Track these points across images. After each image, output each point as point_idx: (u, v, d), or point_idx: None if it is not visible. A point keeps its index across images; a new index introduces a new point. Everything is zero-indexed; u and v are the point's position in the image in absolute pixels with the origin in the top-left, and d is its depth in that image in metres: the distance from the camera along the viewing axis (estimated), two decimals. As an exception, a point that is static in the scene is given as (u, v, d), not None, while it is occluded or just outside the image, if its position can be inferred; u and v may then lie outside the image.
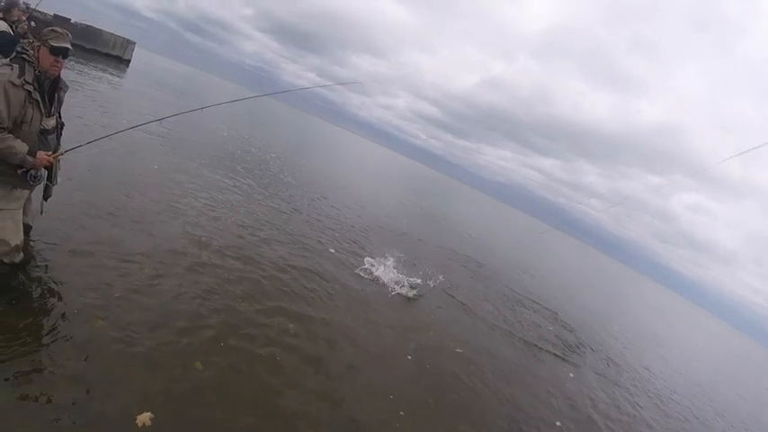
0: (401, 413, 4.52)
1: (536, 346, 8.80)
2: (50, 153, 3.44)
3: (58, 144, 3.70)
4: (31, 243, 4.32)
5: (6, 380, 2.90)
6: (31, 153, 3.20)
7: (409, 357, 5.87)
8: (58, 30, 3.28)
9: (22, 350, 3.17)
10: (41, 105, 3.27)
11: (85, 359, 3.34)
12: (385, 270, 8.63)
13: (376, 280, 8.16)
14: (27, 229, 3.91)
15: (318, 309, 5.99)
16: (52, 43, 3.19)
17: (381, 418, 4.33)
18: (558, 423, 5.98)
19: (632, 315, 24.84)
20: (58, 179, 3.92)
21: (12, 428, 2.60)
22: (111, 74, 20.86)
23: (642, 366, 11.60)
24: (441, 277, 9.65)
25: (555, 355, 8.82)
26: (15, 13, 6.41)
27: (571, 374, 8.17)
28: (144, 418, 2.99)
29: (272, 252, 7.26)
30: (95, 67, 20.19)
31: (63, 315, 3.70)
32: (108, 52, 29.38)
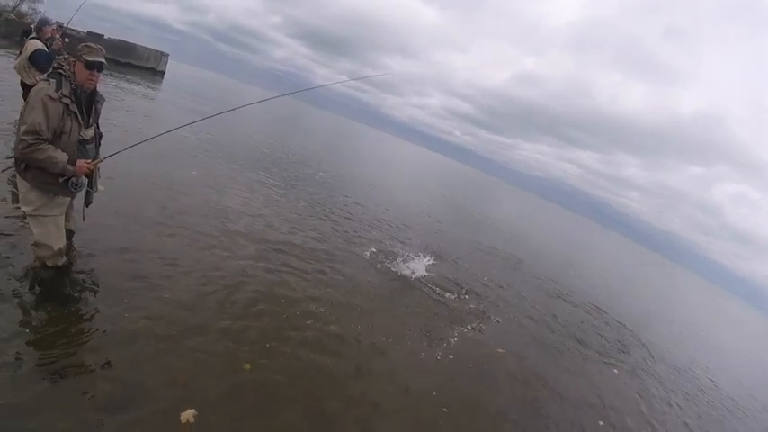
0: (444, 409, 4.50)
1: (580, 343, 8.49)
2: (89, 161, 3.56)
3: (97, 153, 3.86)
4: (74, 247, 4.47)
5: (53, 378, 2.99)
6: (71, 162, 3.34)
7: (451, 357, 5.77)
8: (92, 45, 3.42)
9: (67, 350, 3.27)
10: (79, 117, 3.42)
11: (130, 358, 3.43)
12: (424, 268, 8.57)
13: (416, 279, 8.07)
14: (69, 234, 4.09)
15: (361, 311, 5.99)
16: (87, 58, 3.33)
17: (426, 415, 4.33)
18: (600, 422, 5.76)
19: (677, 311, 23.84)
20: (98, 186, 4.09)
21: (54, 424, 2.67)
22: (146, 86, 21.51)
23: (688, 363, 11.06)
24: (481, 275, 9.47)
25: (599, 353, 8.50)
26: (48, 31, 6.75)
27: (615, 371, 7.87)
28: (188, 414, 3.02)
29: (316, 253, 7.40)
30: (130, 80, 20.86)
31: (106, 315, 3.81)
32: (142, 65, 30.31)
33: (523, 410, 5.23)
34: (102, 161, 3.73)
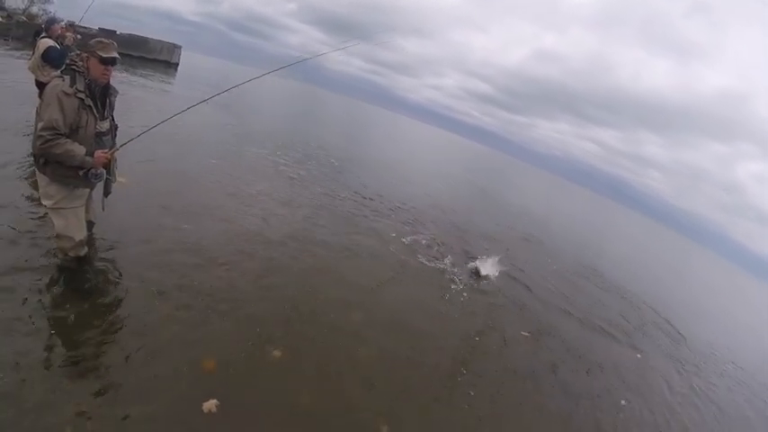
0: (471, 393, 4.56)
1: (602, 327, 8.40)
2: (106, 151, 3.59)
3: (114, 144, 3.90)
4: (95, 238, 4.54)
5: (80, 371, 3.05)
6: (89, 154, 3.39)
7: (477, 339, 5.83)
8: (105, 41, 3.46)
9: (94, 342, 3.35)
10: (94, 110, 3.47)
11: (155, 347, 3.48)
12: (448, 255, 8.63)
13: (438, 264, 8.07)
14: (90, 225, 4.15)
15: (385, 292, 6.13)
16: (101, 54, 3.37)
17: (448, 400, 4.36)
18: (623, 402, 5.80)
19: (700, 292, 23.44)
20: (118, 177, 4.15)
21: (84, 423, 2.72)
22: (159, 80, 21.07)
23: (707, 345, 10.90)
24: (502, 258, 9.40)
25: (621, 334, 8.45)
26: (57, 29, 6.82)
27: (638, 356, 7.78)
28: (210, 405, 3.06)
29: (342, 240, 7.48)
30: (143, 74, 20.63)
31: (131, 305, 3.89)
32: (155, 57, 30.32)
33: (543, 394, 5.22)
34: (119, 149, 3.77)
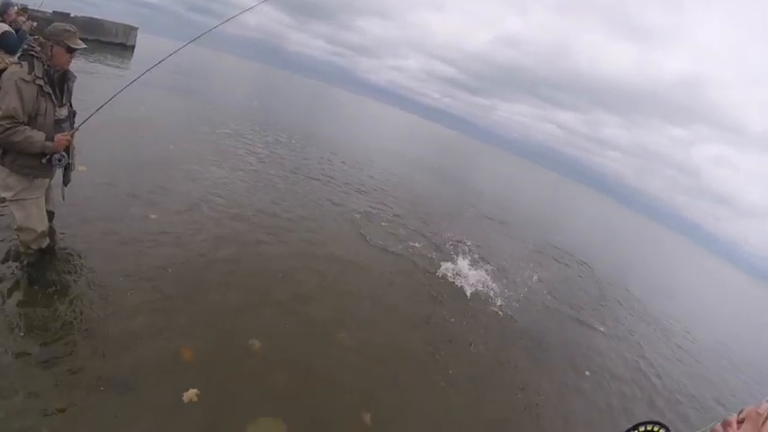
0: (450, 372, 4.62)
1: (568, 303, 8.78)
2: (66, 133, 3.49)
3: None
4: (56, 229, 4.37)
5: (47, 361, 2.98)
6: (50, 138, 3.31)
7: (452, 320, 5.94)
8: (70, 29, 3.39)
9: (60, 332, 3.26)
10: (53, 97, 3.38)
11: (123, 336, 3.41)
12: (412, 236, 8.68)
13: (403, 247, 8.09)
14: (50, 215, 4.01)
15: (354, 275, 6.10)
16: (69, 44, 3.33)
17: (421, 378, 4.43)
18: (587, 372, 6.09)
19: (656, 267, 24.75)
20: (77, 166, 4.06)
21: (50, 406, 2.68)
22: (115, 66, 19.34)
23: (667, 316, 11.60)
24: (466, 240, 9.55)
25: (583, 310, 8.85)
26: (11, 14, 6.57)
27: (602, 329, 8.18)
28: (191, 394, 3.04)
29: (309, 224, 7.36)
30: (97, 59, 19.28)
31: (95, 294, 3.79)
32: (111, 40, 28.97)
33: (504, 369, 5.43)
34: (78, 129, 3.68)
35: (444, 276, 7.31)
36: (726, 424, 0.90)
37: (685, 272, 32.80)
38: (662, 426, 0.98)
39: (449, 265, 7.75)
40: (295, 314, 4.63)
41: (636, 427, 1.01)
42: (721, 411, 6.86)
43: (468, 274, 7.63)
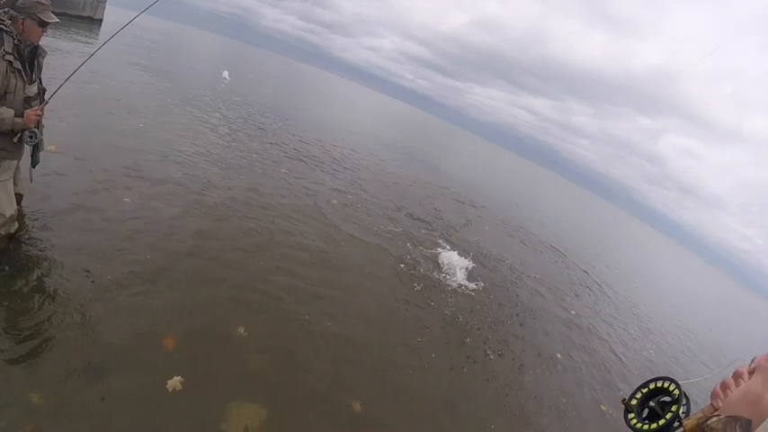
0: (433, 355, 4.69)
1: (536, 286, 9.04)
2: (36, 108, 3.33)
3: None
4: (25, 212, 4.18)
5: (21, 348, 2.88)
6: (19, 115, 3.19)
7: (432, 304, 6.02)
8: (43, 1, 3.23)
9: (32, 319, 3.14)
10: (23, 74, 3.23)
11: (104, 328, 3.31)
12: (388, 219, 8.71)
13: (381, 229, 8.12)
14: (19, 198, 3.84)
15: (333, 260, 6.03)
16: (42, 17, 3.19)
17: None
18: (558, 355, 6.35)
19: (621, 252, 25.63)
20: (47, 146, 3.91)
21: (26, 394, 2.60)
22: (83, 42, 17.70)
23: (629, 295, 12.12)
24: (440, 223, 9.64)
25: (554, 292, 9.17)
26: None
27: (573, 311, 8.49)
28: (174, 383, 3.00)
29: (285, 211, 7.19)
30: (62, 36, 18.10)
31: (69, 282, 3.63)
32: (78, 14, 27.51)
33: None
34: (48, 102, 3.51)
35: (423, 260, 7.38)
36: (737, 375, 0.90)
37: (649, 258, 34.14)
38: (672, 381, 0.99)
39: (426, 249, 7.85)
40: (279, 301, 4.60)
41: (646, 384, 1.02)
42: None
43: (445, 257, 7.73)
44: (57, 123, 4.17)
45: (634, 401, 1.02)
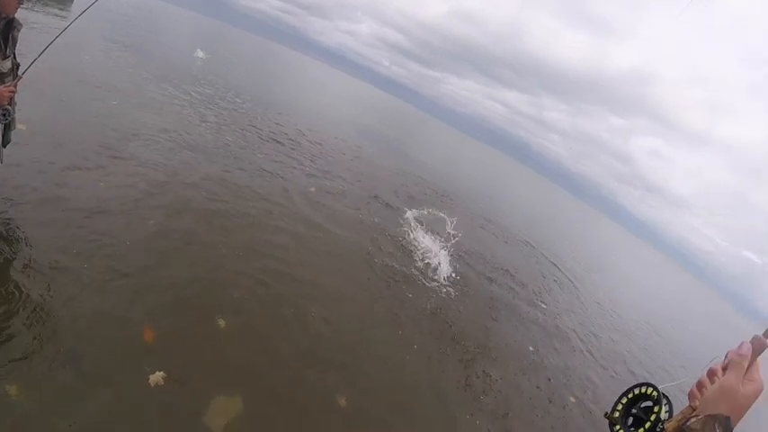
0: (415, 346, 4.77)
1: (509, 273, 9.32)
2: (8, 84, 3.15)
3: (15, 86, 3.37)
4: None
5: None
6: None
7: (410, 295, 6.03)
8: None
9: (2, 317, 2.95)
10: None
11: (79, 321, 3.16)
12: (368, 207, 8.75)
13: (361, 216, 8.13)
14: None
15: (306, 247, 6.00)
16: None
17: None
18: (531, 348, 6.58)
19: (588, 247, 26.42)
20: (17, 125, 3.65)
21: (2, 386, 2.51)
22: (53, 14, 16.82)
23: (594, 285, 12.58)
24: (415, 212, 9.69)
25: (523, 287, 9.39)
26: None
27: (544, 305, 8.81)
28: (157, 378, 2.93)
29: (264, 201, 7.04)
30: (32, 8, 17.00)
31: (41, 270, 3.46)
32: (50, -14, 25.93)
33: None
34: (21, 77, 3.32)
35: (399, 253, 7.44)
36: (711, 373, 0.94)
37: (614, 253, 35.36)
38: (650, 385, 1.02)
39: (402, 240, 7.94)
40: (260, 287, 4.56)
41: (626, 393, 1.05)
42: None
43: (421, 249, 7.84)
44: (27, 100, 3.91)
45: (617, 414, 1.05)
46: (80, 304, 3.29)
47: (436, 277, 7.10)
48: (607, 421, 1.05)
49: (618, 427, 1.02)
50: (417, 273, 6.95)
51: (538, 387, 5.54)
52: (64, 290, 3.36)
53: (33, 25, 11.47)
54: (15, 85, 3.19)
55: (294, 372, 3.65)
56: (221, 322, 3.79)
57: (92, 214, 4.45)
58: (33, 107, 6.01)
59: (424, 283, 6.71)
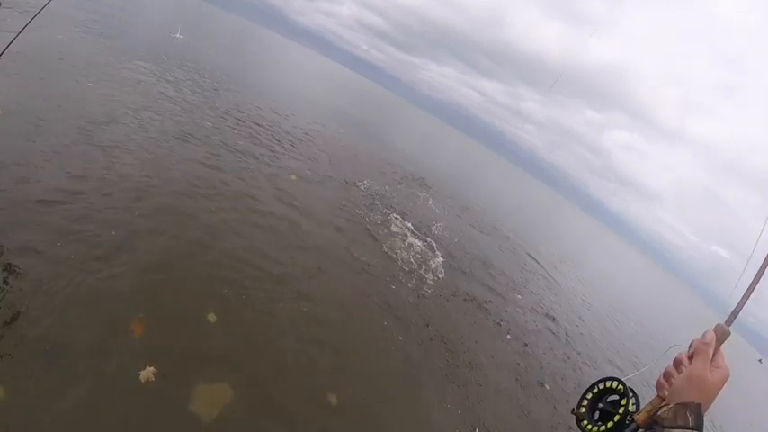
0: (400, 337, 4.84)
1: (486, 262, 9.57)
2: None
3: None
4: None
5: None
6: None
7: (393, 287, 6.09)
8: None
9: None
10: None
11: (55, 305, 3.07)
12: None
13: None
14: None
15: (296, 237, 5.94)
16: None
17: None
18: (508, 336, 6.84)
19: (562, 239, 27.03)
20: None
21: None
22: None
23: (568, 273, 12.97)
24: (395, 201, 9.72)
25: (501, 282, 9.62)
26: None
27: (519, 295, 9.02)
28: (147, 373, 2.87)
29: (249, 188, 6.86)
30: None
31: (22, 260, 3.30)
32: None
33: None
34: None
35: (383, 240, 7.51)
36: (677, 362, 0.95)
37: (587, 245, 36.39)
38: (615, 379, 1.03)
39: (384, 229, 8.02)
40: (247, 280, 4.50)
41: (591, 388, 1.06)
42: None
43: (402, 238, 7.97)
44: (2, 83, 3.62)
45: (583, 408, 1.05)
46: (66, 296, 3.18)
47: (420, 269, 7.19)
48: (574, 417, 1.05)
49: (585, 422, 1.02)
50: (402, 263, 7.02)
51: (514, 371, 5.78)
52: (45, 282, 3.22)
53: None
54: None
55: (286, 358, 3.66)
56: (211, 317, 3.72)
57: (72, 204, 4.26)
58: (7, 90, 5.72)
59: (407, 275, 6.76)
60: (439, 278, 7.27)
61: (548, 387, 5.93)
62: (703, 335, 0.92)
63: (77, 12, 14.39)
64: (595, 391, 1.05)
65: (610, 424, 0.97)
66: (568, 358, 7.36)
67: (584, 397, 1.07)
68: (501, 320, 7.20)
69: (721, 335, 0.92)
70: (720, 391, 0.87)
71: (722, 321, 0.95)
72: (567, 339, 8.10)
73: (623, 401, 0.99)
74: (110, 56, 10.80)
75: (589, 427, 1.00)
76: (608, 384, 1.04)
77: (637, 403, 0.98)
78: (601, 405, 1.04)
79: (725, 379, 0.87)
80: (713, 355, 0.89)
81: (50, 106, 6.19)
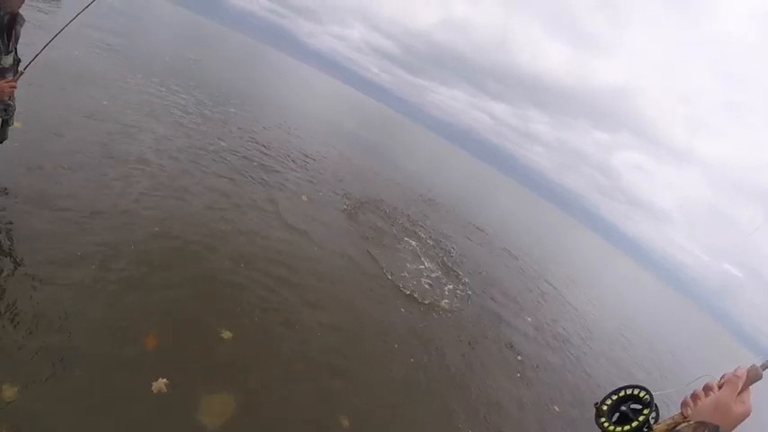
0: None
1: (494, 282, 9.44)
2: (10, 79, 3.12)
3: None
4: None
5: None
6: None
7: (402, 310, 6.08)
8: None
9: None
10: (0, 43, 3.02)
11: (80, 325, 3.09)
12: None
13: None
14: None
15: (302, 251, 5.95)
16: None
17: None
18: (519, 357, 6.75)
19: (572, 262, 26.81)
20: (14, 121, 3.57)
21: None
22: (43, 10, 16.71)
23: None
24: (409, 216, 9.74)
25: (513, 302, 9.53)
26: None
27: (529, 318, 8.93)
28: (159, 385, 2.88)
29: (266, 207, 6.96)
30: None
31: (38, 272, 3.37)
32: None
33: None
34: (23, 73, 3.28)
35: (394, 261, 7.49)
36: (707, 388, 0.99)
37: (601, 268, 36.04)
38: (644, 389, 1.06)
39: (393, 251, 8.00)
40: (261, 301, 4.51)
41: (618, 390, 1.09)
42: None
43: (412, 260, 7.96)
44: (21, 97, 3.75)
45: (605, 406, 1.09)
46: (81, 307, 3.22)
47: (432, 291, 7.17)
48: (594, 409, 1.09)
49: (604, 419, 1.06)
50: (411, 282, 7.01)
51: (524, 400, 5.63)
52: (60, 292, 3.27)
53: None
54: (16, 81, 3.14)
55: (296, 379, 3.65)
56: (226, 335, 3.73)
57: (88, 219, 4.33)
58: (29, 105, 5.86)
59: (417, 294, 6.73)
60: (454, 303, 7.23)
61: (558, 409, 5.85)
62: (736, 369, 0.97)
63: (93, 30, 14.83)
64: (622, 394, 1.08)
65: (626, 428, 1.01)
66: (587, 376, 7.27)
67: (609, 396, 1.10)
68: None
69: (754, 375, 0.97)
70: (738, 426, 0.92)
71: (758, 363, 0.99)
72: (580, 360, 7.97)
73: (645, 411, 1.02)
74: (125, 74, 11.04)
75: (606, 424, 1.05)
76: (635, 392, 1.07)
77: (656, 417, 1.02)
78: (623, 408, 1.07)
79: (746, 415, 0.93)
80: (741, 391, 0.94)
81: (66, 125, 6.31)
